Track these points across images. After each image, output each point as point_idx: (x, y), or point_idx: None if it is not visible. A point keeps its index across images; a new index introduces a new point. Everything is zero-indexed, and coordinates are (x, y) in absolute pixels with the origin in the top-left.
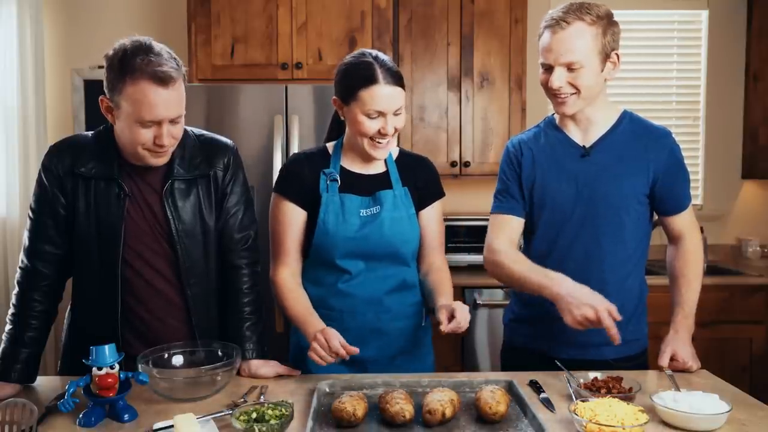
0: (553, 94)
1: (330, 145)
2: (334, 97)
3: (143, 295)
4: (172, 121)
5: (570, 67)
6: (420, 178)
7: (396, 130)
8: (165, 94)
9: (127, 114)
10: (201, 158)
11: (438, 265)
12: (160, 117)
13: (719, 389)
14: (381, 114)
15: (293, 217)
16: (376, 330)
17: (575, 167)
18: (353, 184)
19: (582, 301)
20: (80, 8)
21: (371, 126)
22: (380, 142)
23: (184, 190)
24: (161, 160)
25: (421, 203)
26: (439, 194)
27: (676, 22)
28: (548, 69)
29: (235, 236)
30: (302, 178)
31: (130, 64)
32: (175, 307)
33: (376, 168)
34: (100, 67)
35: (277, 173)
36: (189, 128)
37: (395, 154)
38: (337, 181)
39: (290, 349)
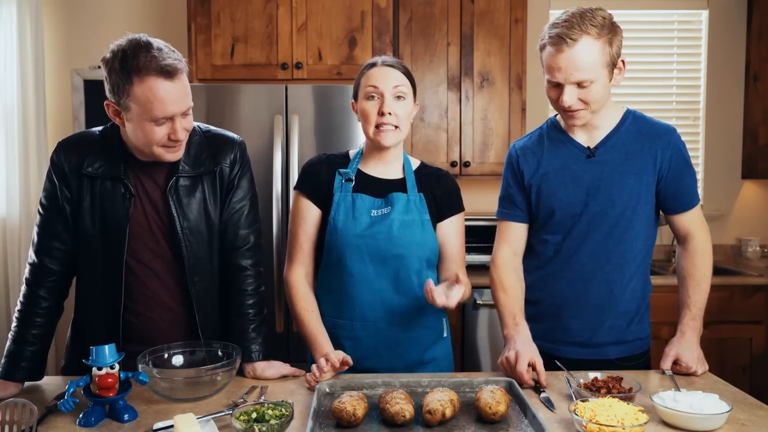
0: (562, 109)
1: (352, 151)
2: (352, 101)
3: (144, 292)
4: (183, 114)
5: (580, 85)
6: (439, 189)
7: (397, 116)
8: (173, 87)
9: (138, 115)
10: (207, 154)
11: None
12: (172, 112)
13: (719, 389)
14: (378, 93)
15: (308, 214)
16: (388, 340)
17: (581, 169)
18: (368, 185)
19: (516, 348)
20: (80, 8)
21: (372, 107)
22: (384, 128)
23: (189, 186)
24: (177, 155)
25: (439, 215)
26: (459, 208)
27: (676, 22)
28: (556, 85)
29: (240, 232)
30: (319, 177)
31: (134, 64)
32: (176, 304)
33: (394, 173)
34: (100, 66)
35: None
36: (196, 123)
37: (415, 165)
38: (352, 180)
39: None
